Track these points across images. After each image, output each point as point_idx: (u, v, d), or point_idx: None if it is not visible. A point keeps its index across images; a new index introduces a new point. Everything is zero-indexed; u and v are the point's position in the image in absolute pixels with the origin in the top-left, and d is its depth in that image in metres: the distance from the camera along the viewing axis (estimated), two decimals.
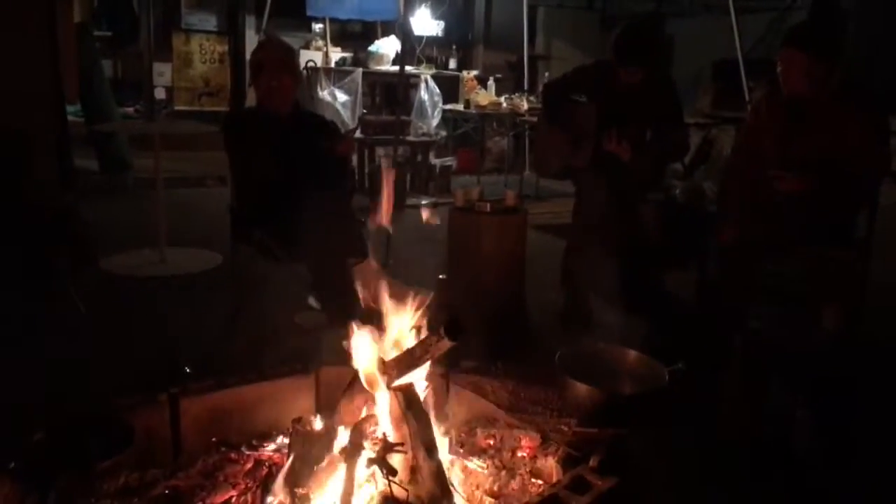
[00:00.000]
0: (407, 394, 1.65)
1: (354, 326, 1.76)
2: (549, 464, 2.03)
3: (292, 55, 3.39)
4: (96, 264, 4.13)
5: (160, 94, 8.37)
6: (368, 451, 1.60)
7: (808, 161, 2.98)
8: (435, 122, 7.63)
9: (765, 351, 2.73)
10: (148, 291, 3.93)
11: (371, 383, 1.69)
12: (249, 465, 2.07)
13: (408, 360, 1.64)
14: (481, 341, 2.89)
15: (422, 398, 1.79)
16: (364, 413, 1.73)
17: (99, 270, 4.12)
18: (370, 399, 1.72)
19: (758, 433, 2.30)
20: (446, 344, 1.54)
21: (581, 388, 2.13)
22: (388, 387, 1.68)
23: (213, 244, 4.40)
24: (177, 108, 8.46)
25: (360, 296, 1.97)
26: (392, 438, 1.65)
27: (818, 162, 2.96)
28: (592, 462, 1.86)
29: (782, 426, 2.33)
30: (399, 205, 5.66)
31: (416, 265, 3.57)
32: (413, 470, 1.62)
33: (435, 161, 7.11)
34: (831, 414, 2.43)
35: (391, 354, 1.78)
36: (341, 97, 7.55)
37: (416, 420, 1.60)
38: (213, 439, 2.16)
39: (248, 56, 7.95)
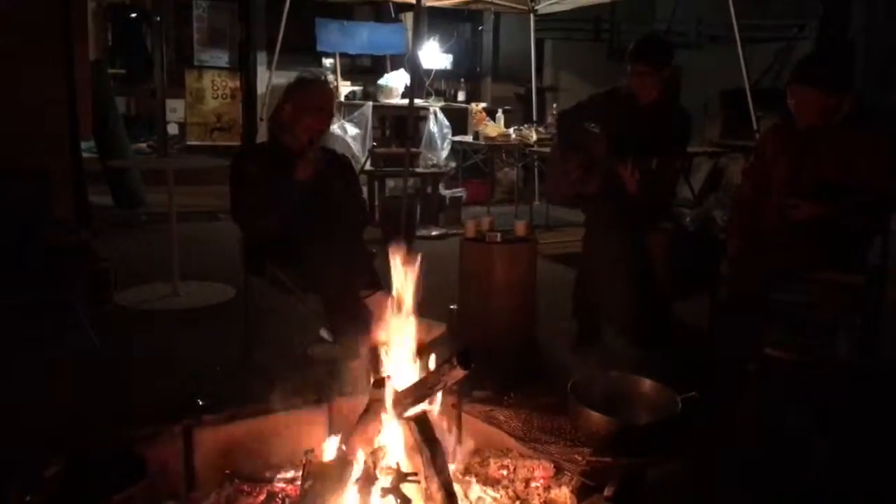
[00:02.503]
0: (420, 423, 1.65)
1: (367, 357, 1.78)
2: (563, 494, 2.02)
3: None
4: (111, 300, 4.16)
5: (173, 129, 8.47)
6: (382, 481, 1.60)
7: (820, 188, 3.00)
8: (444, 153, 7.68)
9: (779, 378, 2.71)
10: (161, 325, 3.95)
11: (384, 413, 1.69)
12: (262, 498, 2.07)
13: (420, 390, 1.65)
14: (493, 371, 2.90)
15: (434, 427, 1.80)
16: (378, 443, 1.73)
17: (113, 305, 4.15)
18: (383, 428, 1.72)
19: (773, 461, 2.27)
20: (459, 373, 1.54)
21: (594, 417, 2.12)
22: (402, 416, 1.68)
23: (226, 277, 4.43)
24: (189, 143, 8.55)
25: (373, 328, 1.98)
26: (405, 468, 1.65)
27: (829, 189, 2.98)
28: (607, 492, 1.85)
29: (798, 454, 2.30)
30: (410, 236, 5.74)
31: (428, 296, 3.58)
32: (427, 499, 1.62)
33: (445, 192, 7.14)
34: (847, 441, 2.40)
35: (404, 384, 1.79)
36: (352, 130, 7.62)
37: (430, 449, 1.60)
38: (227, 471, 2.17)
39: (259, 91, 8.15)
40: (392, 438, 1.71)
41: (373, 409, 1.70)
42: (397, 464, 1.64)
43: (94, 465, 1.97)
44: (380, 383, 1.68)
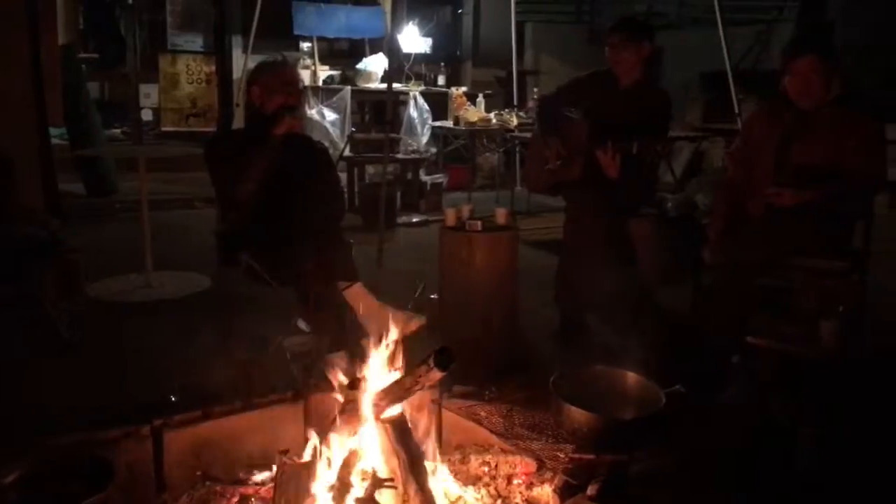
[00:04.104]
0: (397, 425, 1.58)
1: (343, 355, 1.71)
2: (546, 492, 1.97)
3: None
4: (83, 292, 4.06)
5: (147, 115, 8.32)
6: (357, 489, 1.54)
7: (806, 172, 2.96)
8: (424, 139, 7.59)
9: (764, 367, 2.67)
10: (133, 317, 3.85)
11: (359, 415, 1.62)
12: (235, 500, 2.01)
13: (397, 391, 1.58)
14: (474, 364, 2.84)
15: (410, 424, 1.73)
16: (352, 445, 1.66)
17: (85, 297, 4.04)
18: (359, 431, 1.65)
19: (759, 454, 2.24)
20: (436, 375, 1.48)
21: (577, 413, 2.06)
22: (378, 418, 1.61)
23: (202, 266, 4.32)
24: (164, 129, 8.41)
25: (350, 320, 1.92)
26: (382, 472, 1.59)
27: (815, 173, 2.94)
28: (590, 490, 1.80)
29: (784, 446, 2.26)
30: (390, 224, 5.66)
31: (408, 285, 3.52)
32: None
33: (425, 178, 7.06)
34: (834, 430, 2.37)
35: (381, 381, 1.72)
36: (330, 116, 7.52)
37: (406, 453, 1.54)
38: (199, 473, 2.09)
39: (235, 76, 8.00)
40: (368, 441, 1.64)
41: (347, 410, 1.63)
42: (373, 469, 1.58)
43: (57, 470, 1.89)
44: (354, 384, 1.61)
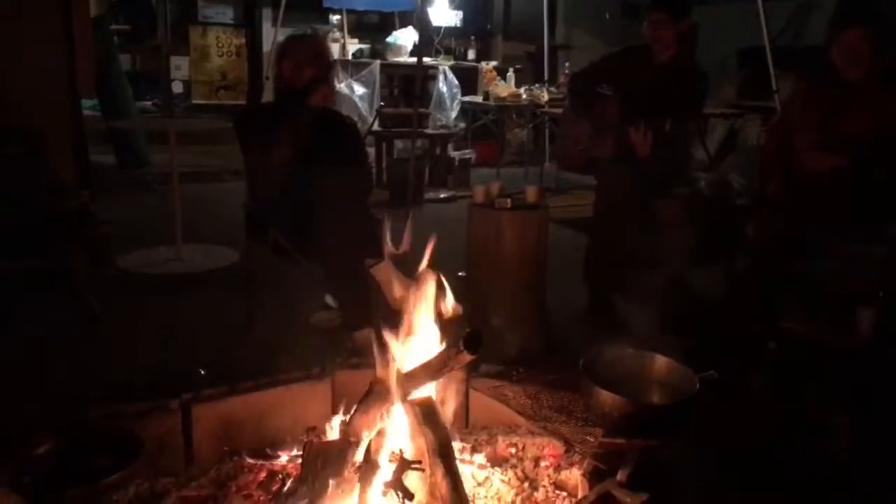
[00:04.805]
0: (424, 407, 1.57)
1: (372, 332, 1.68)
2: (574, 476, 1.94)
3: None
4: (113, 264, 4.09)
5: (178, 87, 8.34)
6: (384, 470, 1.53)
7: (852, 145, 2.88)
8: (454, 114, 7.53)
9: (799, 354, 2.62)
10: (163, 290, 3.88)
11: (388, 395, 1.61)
12: (263, 475, 2.01)
13: (426, 373, 1.57)
14: (502, 344, 2.82)
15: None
16: (380, 425, 1.65)
17: (115, 270, 4.08)
18: (386, 411, 1.64)
19: (793, 442, 2.20)
20: (466, 357, 1.46)
21: (607, 397, 2.03)
22: (405, 399, 1.60)
23: (231, 240, 4.34)
24: (194, 101, 8.42)
25: (378, 297, 1.91)
26: (409, 454, 1.57)
27: (862, 146, 2.86)
28: (620, 476, 1.77)
29: (818, 434, 2.22)
30: (418, 199, 5.63)
31: (437, 261, 3.50)
32: (431, 486, 1.55)
33: (454, 154, 7.01)
34: (869, 420, 2.32)
35: (410, 361, 1.70)
36: (359, 90, 7.48)
37: (434, 434, 1.52)
38: (226, 448, 2.10)
39: (265, 48, 7.98)
40: (396, 422, 1.63)
41: (376, 390, 1.61)
42: (400, 451, 1.57)
43: (87, 443, 1.90)
44: (383, 364, 1.59)
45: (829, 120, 2.97)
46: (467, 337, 1.44)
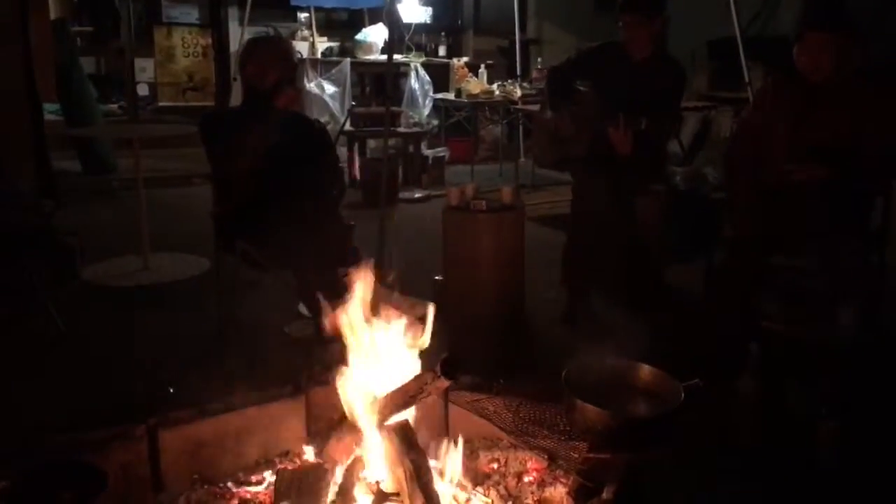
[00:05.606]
0: (401, 433, 1.49)
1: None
2: (559, 493, 1.88)
3: None
4: (78, 277, 3.95)
5: (143, 90, 8.16)
6: (361, 501, 1.45)
7: (821, 147, 2.82)
8: (426, 111, 7.45)
9: (781, 354, 2.58)
10: (130, 302, 3.75)
11: (362, 422, 1.53)
12: (234, 503, 1.92)
13: (401, 398, 1.49)
14: (480, 351, 2.76)
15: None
16: (356, 453, 1.57)
17: (80, 282, 3.95)
18: (362, 439, 1.56)
19: (778, 446, 2.15)
20: (443, 383, 1.38)
21: (591, 411, 1.96)
22: (381, 426, 1.52)
23: (200, 246, 4.22)
24: (161, 104, 8.25)
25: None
26: (386, 482, 1.50)
27: (832, 148, 2.80)
28: (606, 493, 1.71)
29: (803, 439, 2.18)
30: (392, 200, 5.54)
31: (411, 265, 3.43)
32: None
33: (427, 152, 6.92)
34: (854, 423, 2.28)
35: (384, 383, 1.62)
36: (329, 89, 7.37)
37: (413, 463, 1.45)
38: (196, 475, 2.01)
39: (232, 48, 7.83)
40: (371, 449, 1.55)
41: (350, 416, 1.54)
42: (377, 483, 1.49)
43: (47, 478, 1.80)
44: (355, 388, 1.52)
45: (799, 124, 2.90)
46: (444, 361, 1.37)
